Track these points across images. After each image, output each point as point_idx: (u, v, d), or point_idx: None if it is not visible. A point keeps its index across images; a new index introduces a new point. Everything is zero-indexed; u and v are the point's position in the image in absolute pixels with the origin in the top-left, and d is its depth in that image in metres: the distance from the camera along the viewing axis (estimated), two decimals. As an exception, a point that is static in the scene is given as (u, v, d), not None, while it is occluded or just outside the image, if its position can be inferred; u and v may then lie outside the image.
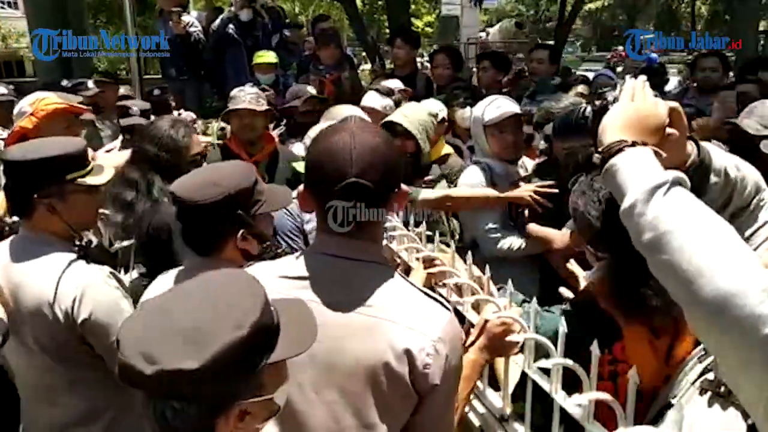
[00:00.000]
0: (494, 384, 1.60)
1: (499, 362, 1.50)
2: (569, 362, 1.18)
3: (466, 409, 1.61)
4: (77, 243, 1.81)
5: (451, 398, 1.21)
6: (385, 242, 1.96)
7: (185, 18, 6.05)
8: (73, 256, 1.74)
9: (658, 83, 5.18)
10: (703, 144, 1.20)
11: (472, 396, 1.61)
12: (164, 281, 1.66)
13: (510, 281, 1.55)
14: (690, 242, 0.87)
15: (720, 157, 1.22)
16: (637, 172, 0.97)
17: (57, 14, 7.43)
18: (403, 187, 1.23)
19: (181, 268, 1.68)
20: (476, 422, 1.59)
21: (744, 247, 0.87)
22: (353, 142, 1.15)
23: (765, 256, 1.04)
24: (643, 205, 0.93)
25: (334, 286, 1.18)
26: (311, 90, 3.98)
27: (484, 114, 2.63)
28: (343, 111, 2.99)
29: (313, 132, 2.84)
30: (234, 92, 3.41)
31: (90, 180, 1.81)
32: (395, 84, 4.19)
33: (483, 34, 15.02)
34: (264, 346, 0.89)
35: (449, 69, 4.81)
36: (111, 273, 1.80)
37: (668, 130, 1.08)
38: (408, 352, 1.12)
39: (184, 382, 0.82)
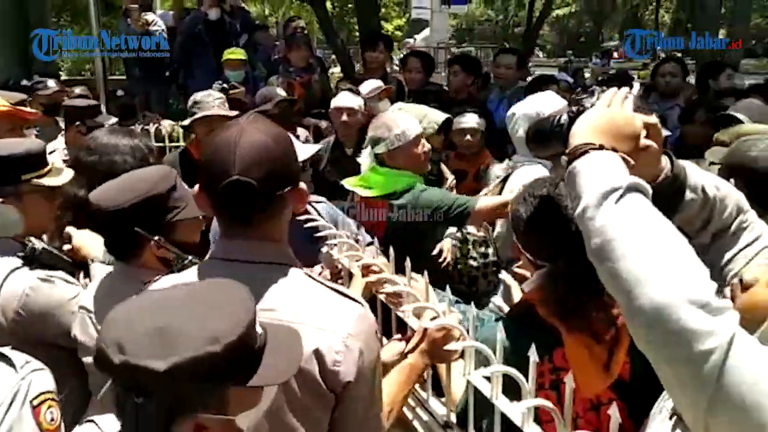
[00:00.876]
0: (440, 391, 1.60)
1: (443, 369, 1.50)
2: (509, 369, 1.19)
3: (410, 416, 1.61)
4: (22, 251, 1.76)
5: (372, 394, 1.20)
6: (325, 249, 1.96)
7: (148, 16, 5.95)
8: (18, 263, 1.69)
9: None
10: (679, 161, 1.18)
11: (415, 403, 1.62)
12: (94, 285, 1.65)
13: (447, 287, 1.54)
14: (632, 251, 0.85)
15: (697, 174, 1.20)
16: (595, 176, 0.94)
17: (18, 12, 7.25)
18: (302, 185, 1.22)
19: (109, 272, 1.68)
20: (420, 430, 1.59)
21: (689, 258, 0.85)
22: (238, 140, 1.13)
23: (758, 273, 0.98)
24: (594, 209, 0.91)
25: None
26: (281, 92, 3.95)
27: (541, 112, 2.49)
28: (387, 118, 2.76)
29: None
30: (199, 97, 3.33)
31: (47, 181, 1.77)
32: (375, 84, 4.16)
33: (411, 41, 15.20)
34: (236, 367, 0.88)
35: (421, 73, 4.84)
36: (61, 278, 1.75)
37: (645, 141, 1.06)
38: (317, 352, 1.11)
39: (146, 380, 0.82)
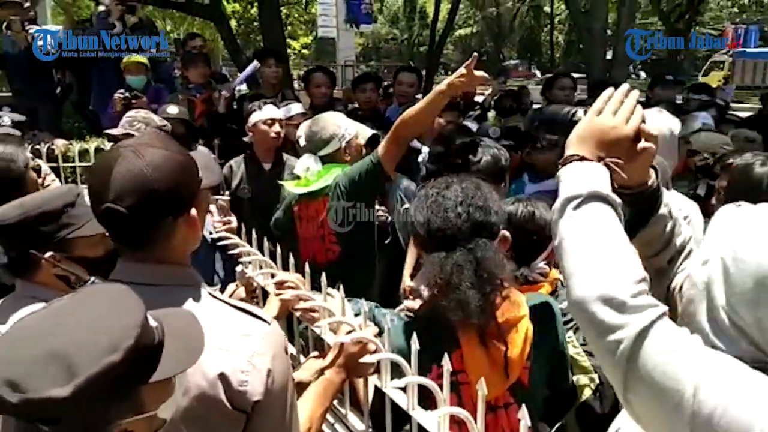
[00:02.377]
0: (359, 407, 1.61)
1: (360, 383, 1.51)
2: (423, 380, 1.20)
3: None
4: None
5: (285, 412, 1.18)
6: (240, 267, 1.93)
7: (31, 29, 5.62)
8: None
9: (519, 104, 5.53)
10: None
11: (334, 419, 1.60)
12: None
13: (363, 300, 1.57)
14: (572, 249, 0.96)
15: (666, 192, 1.26)
16: (568, 185, 1.03)
17: None
18: (192, 213, 1.19)
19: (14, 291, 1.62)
20: None
21: (619, 259, 0.93)
22: (116, 165, 1.11)
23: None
24: (558, 214, 1.00)
25: None
26: (172, 110, 3.80)
27: (677, 128, 2.47)
28: (330, 118, 2.74)
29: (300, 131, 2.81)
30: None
31: None
32: (300, 109, 4.05)
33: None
34: (142, 368, 0.86)
35: (328, 89, 4.85)
36: None
37: (644, 144, 1.10)
38: (221, 375, 1.09)
39: (54, 410, 0.78)
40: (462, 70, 2.23)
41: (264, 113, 3.44)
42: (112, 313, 0.87)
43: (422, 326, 1.42)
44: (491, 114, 5.61)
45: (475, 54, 2.31)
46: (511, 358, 1.42)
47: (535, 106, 6.13)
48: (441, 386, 1.34)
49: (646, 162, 1.14)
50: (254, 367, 1.11)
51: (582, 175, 1.03)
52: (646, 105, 5.29)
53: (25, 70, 5.61)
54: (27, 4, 5.80)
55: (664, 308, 0.90)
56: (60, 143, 4.33)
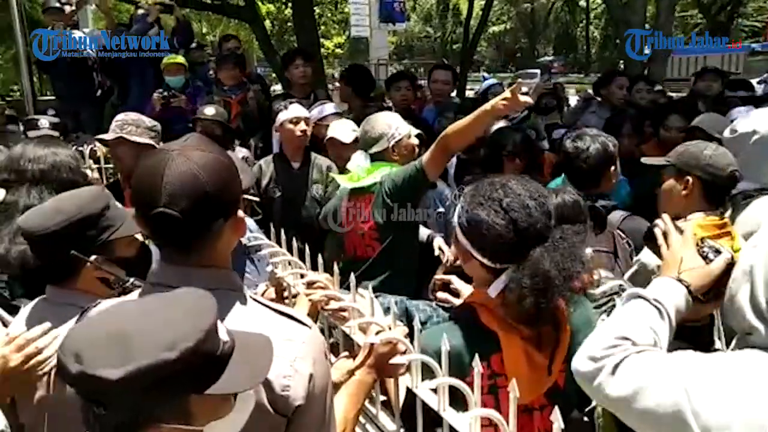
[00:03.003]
0: (390, 407, 1.61)
1: (391, 383, 1.49)
2: (454, 381, 1.19)
3: None
4: None
5: (324, 416, 1.18)
6: (270, 267, 1.94)
7: (75, 35, 5.78)
8: None
9: (557, 102, 5.46)
10: None
11: (365, 420, 1.60)
12: (25, 313, 1.58)
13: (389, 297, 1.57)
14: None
15: None
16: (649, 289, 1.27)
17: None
18: (239, 214, 1.19)
19: (42, 297, 1.60)
20: None
21: (608, 330, 1.16)
22: (166, 169, 1.09)
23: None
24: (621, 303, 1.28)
25: None
26: (208, 111, 3.86)
27: None
28: (382, 117, 2.80)
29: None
30: (131, 118, 3.08)
31: None
32: (331, 109, 4.08)
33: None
34: (198, 375, 0.86)
35: (409, 90, 4.77)
36: None
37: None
38: (264, 380, 1.07)
39: (102, 390, 0.81)
40: (507, 93, 2.26)
41: (290, 112, 3.47)
42: (184, 314, 0.88)
43: (462, 328, 1.42)
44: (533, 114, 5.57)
45: (520, 80, 2.39)
46: (556, 360, 1.42)
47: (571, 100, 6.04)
48: (483, 388, 1.33)
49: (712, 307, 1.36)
50: (296, 371, 1.11)
51: (660, 287, 1.25)
52: (689, 99, 5.13)
53: (67, 74, 5.77)
54: (69, 9, 5.96)
55: (641, 347, 1.09)
56: (101, 145, 4.44)
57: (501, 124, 4.37)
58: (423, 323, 1.43)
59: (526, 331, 1.40)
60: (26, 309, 1.59)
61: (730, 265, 1.26)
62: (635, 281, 1.80)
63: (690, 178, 2.07)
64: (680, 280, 1.26)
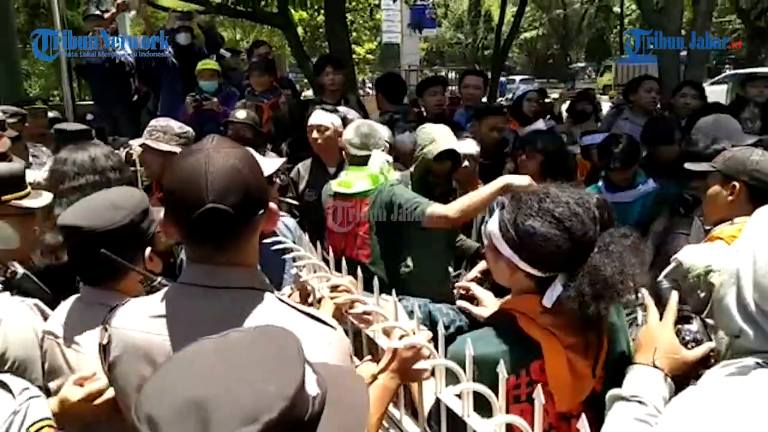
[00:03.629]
0: (414, 411, 1.60)
1: (416, 388, 1.50)
2: (478, 386, 1.18)
3: None
4: (2, 275, 1.74)
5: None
6: (294, 271, 1.95)
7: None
8: None
9: (594, 108, 5.40)
10: None
11: (388, 424, 1.59)
12: (61, 310, 1.61)
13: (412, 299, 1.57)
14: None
15: None
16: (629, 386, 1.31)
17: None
18: (272, 205, 1.20)
19: (77, 296, 1.63)
20: None
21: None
22: (208, 166, 1.10)
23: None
24: (608, 405, 1.30)
25: (207, 320, 1.10)
26: (240, 115, 3.93)
27: None
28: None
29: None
30: (160, 124, 3.12)
31: (27, 202, 1.76)
32: (351, 115, 4.14)
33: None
34: None
35: (443, 96, 4.87)
36: (36, 305, 1.71)
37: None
38: None
39: None
40: (526, 180, 2.32)
41: (311, 119, 3.57)
42: (269, 371, 0.77)
43: (500, 335, 1.41)
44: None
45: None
46: (600, 364, 1.42)
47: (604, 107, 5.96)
48: (521, 395, 1.36)
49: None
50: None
51: (642, 379, 1.30)
52: (737, 103, 4.98)
53: (105, 79, 5.92)
54: (109, 15, 6.12)
55: None
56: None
57: (539, 125, 4.36)
58: (446, 327, 1.43)
59: (569, 339, 1.39)
60: (63, 308, 1.62)
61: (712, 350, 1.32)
62: (675, 274, 1.85)
63: (737, 184, 2.09)
64: (655, 366, 1.30)
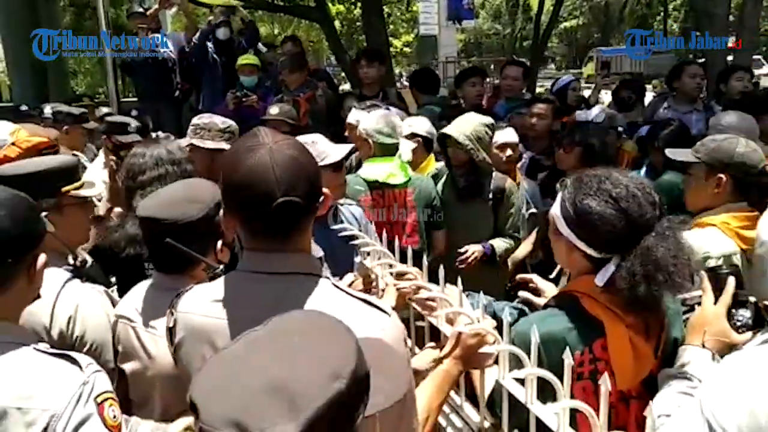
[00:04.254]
0: (474, 398, 1.60)
1: (477, 375, 1.48)
2: (543, 372, 1.17)
3: (444, 423, 1.58)
4: (72, 262, 1.83)
5: (411, 403, 1.16)
6: (359, 258, 1.97)
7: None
8: (68, 275, 1.71)
9: (639, 94, 5.28)
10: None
11: (449, 410, 1.59)
12: (134, 295, 1.68)
13: (481, 293, 1.57)
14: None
15: None
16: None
17: (30, 26, 7.38)
18: (325, 191, 1.23)
19: (150, 282, 1.70)
20: None
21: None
22: (273, 161, 1.13)
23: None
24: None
25: (263, 304, 1.13)
26: (273, 110, 3.98)
27: None
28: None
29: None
30: (203, 121, 3.10)
31: (84, 192, 1.84)
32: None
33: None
34: (360, 399, 0.78)
35: (482, 86, 4.87)
36: (104, 292, 1.79)
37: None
38: None
39: None
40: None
41: (349, 116, 3.61)
42: (325, 339, 0.81)
43: (566, 314, 1.44)
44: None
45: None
46: (662, 343, 1.47)
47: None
48: (584, 372, 1.40)
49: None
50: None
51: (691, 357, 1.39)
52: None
53: (150, 75, 6.05)
54: (152, 11, 6.25)
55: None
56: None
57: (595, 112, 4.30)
58: (512, 324, 1.43)
59: (630, 318, 1.42)
60: (134, 294, 1.69)
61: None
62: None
63: (723, 177, 2.08)
64: (704, 347, 1.39)
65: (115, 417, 1.15)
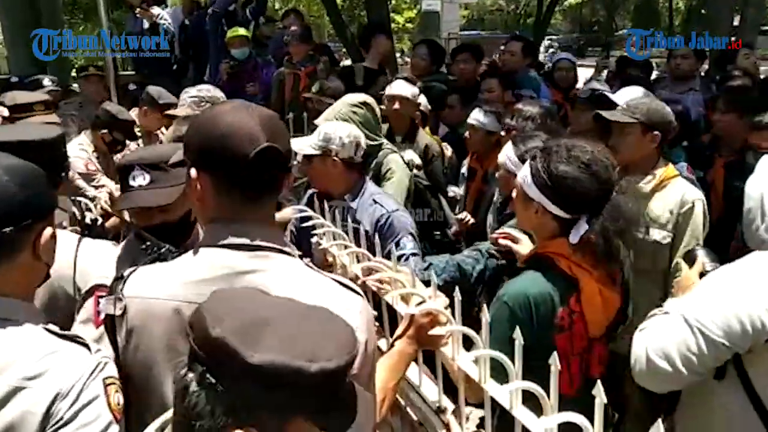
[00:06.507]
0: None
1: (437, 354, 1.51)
2: (495, 353, 1.19)
3: (403, 402, 1.60)
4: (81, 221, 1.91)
5: (370, 382, 1.19)
6: (315, 239, 1.95)
7: (154, 10, 6.00)
8: (78, 236, 1.75)
9: (645, 76, 5.23)
10: None
11: (408, 389, 1.61)
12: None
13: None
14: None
15: None
16: None
17: (30, 11, 7.33)
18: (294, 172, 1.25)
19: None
20: (414, 416, 1.58)
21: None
22: (255, 114, 1.14)
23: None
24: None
25: (244, 285, 1.09)
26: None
27: None
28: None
29: (320, 120, 2.80)
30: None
31: None
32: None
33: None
34: (318, 400, 0.81)
35: (425, 60, 4.83)
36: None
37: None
38: None
39: (229, 365, 0.76)
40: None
41: (391, 88, 3.62)
42: (330, 333, 0.85)
43: (544, 275, 1.60)
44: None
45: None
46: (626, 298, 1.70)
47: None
48: (564, 326, 1.57)
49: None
50: (357, 341, 1.12)
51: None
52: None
53: (147, 48, 6.00)
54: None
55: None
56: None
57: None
58: (474, 276, 1.79)
59: (599, 272, 1.60)
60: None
61: None
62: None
63: (657, 133, 2.43)
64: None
65: (118, 404, 1.12)
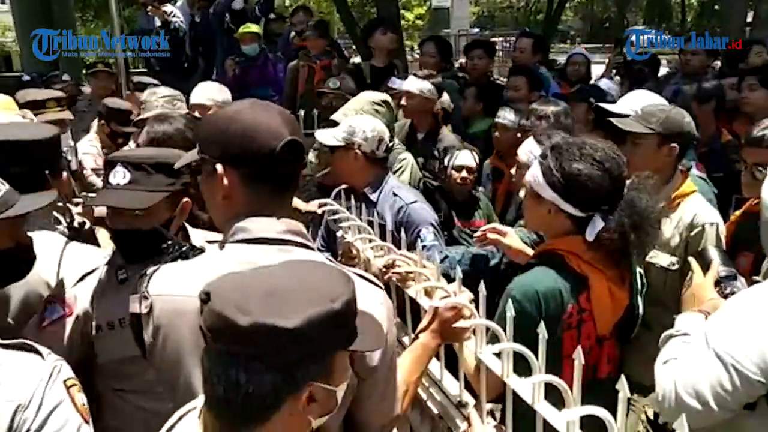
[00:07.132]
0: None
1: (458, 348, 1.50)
2: (518, 346, 1.18)
3: (424, 396, 1.60)
4: (68, 224, 1.88)
5: (391, 374, 1.20)
6: (340, 233, 1.96)
7: (166, 8, 6.03)
8: (65, 238, 1.75)
9: (653, 72, 5.19)
10: None
11: (428, 383, 1.61)
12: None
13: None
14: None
15: None
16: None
17: (43, 8, 7.38)
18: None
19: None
20: (434, 409, 1.58)
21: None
22: (273, 110, 1.18)
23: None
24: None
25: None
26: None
27: None
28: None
29: (338, 116, 2.80)
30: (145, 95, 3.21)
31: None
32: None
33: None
34: (347, 330, 0.89)
35: (434, 57, 4.82)
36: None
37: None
38: None
39: (272, 342, 0.80)
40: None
41: (404, 85, 3.59)
42: (327, 277, 0.92)
43: (556, 272, 1.59)
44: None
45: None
46: (635, 297, 1.69)
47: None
48: (572, 323, 1.57)
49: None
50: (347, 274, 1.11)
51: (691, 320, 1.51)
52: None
53: (147, 48, 6.02)
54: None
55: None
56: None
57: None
58: (495, 265, 1.76)
59: (609, 271, 1.60)
60: None
61: None
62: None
63: (675, 146, 2.21)
64: (699, 311, 1.51)
65: (84, 404, 1.10)
